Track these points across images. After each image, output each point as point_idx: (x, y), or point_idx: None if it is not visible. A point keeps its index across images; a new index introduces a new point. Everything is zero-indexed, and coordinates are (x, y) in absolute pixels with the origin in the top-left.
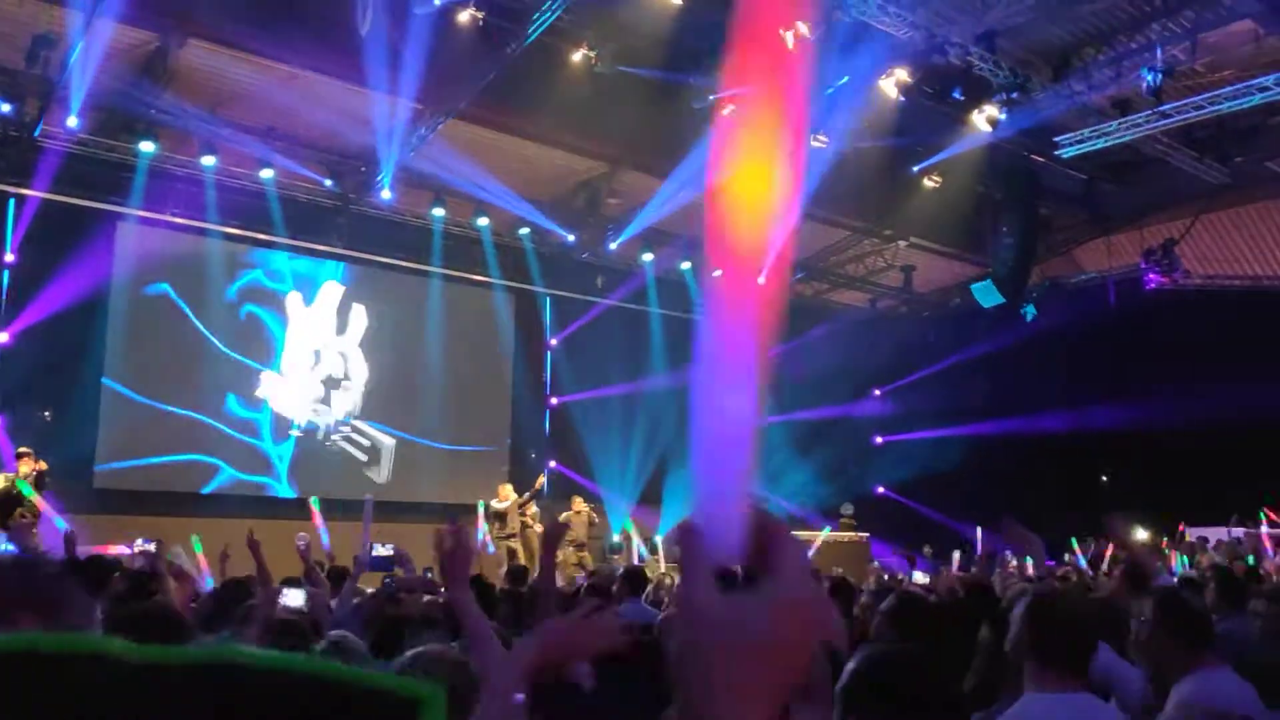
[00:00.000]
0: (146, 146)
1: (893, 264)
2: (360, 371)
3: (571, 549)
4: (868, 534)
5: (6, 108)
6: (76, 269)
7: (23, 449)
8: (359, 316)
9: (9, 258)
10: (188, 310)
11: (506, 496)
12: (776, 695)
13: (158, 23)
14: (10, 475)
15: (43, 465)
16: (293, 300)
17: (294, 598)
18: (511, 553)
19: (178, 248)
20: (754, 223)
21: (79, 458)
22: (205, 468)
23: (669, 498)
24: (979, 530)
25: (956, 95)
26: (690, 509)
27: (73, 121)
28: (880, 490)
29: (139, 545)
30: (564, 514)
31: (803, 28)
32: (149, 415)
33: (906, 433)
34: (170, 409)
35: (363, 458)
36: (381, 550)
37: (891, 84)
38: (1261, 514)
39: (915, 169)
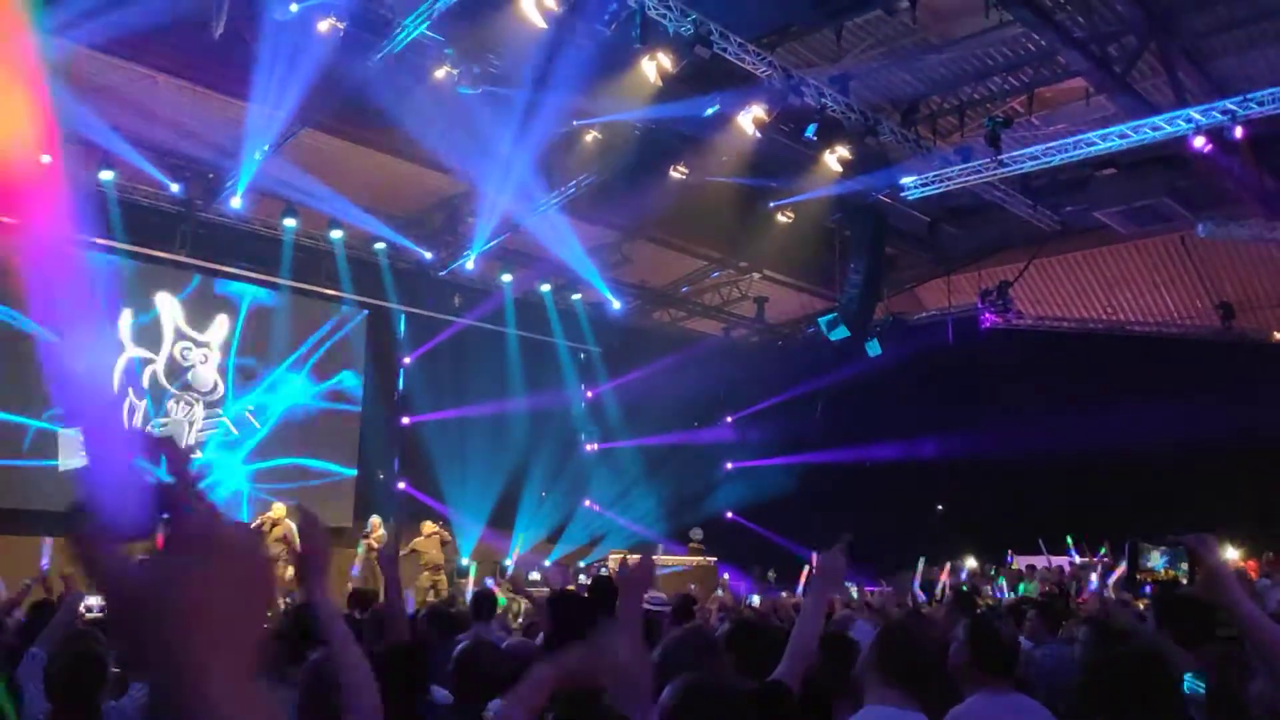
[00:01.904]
0: None
1: (747, 295)
2: (206, 384)
3: (426, 573)
4: (715, 558)
5: None
6: None
7: None
8: (205, 330)
9: None
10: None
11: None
12: (239, 639)
13: None
14: None
15: None
16: (124, 314)
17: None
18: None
19: None
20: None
21: None
22: (41, 481)
23: (520, 521)
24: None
25: (810, 135)
26: (86, 488)
27: None
28: (730, 515)
29: None
30: (415, 539)
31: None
32: None
33: (756, 459)
34: None
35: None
36: None
37: (749, 120)
38: (1069, 541)
39: (771, 204)
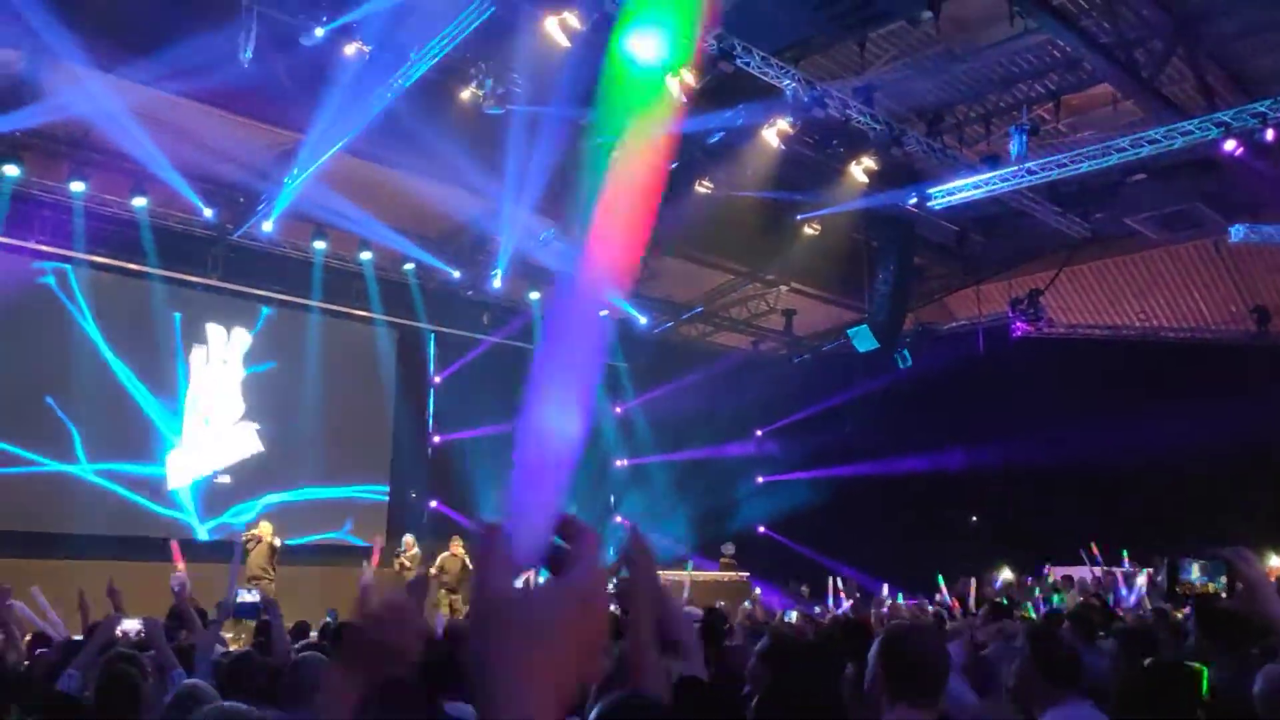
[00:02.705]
0: (10, 170)
1: (774, 308)
2: (240, 407)
3: (443, 591)
4: (748, 573)
5: None
6: None
7: None
8: (236, 351)
9: None
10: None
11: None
12: (567, 680)
13: (22, 40)
14: None
15: None
16: (164, 334)
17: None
18: None
19: (39, 276)
20: (612, 255)
21: None
22: (65, 505)
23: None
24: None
25: (835, 146)
26: (503, 514)
27: None
28: (762, 530)
29: None
30: (441, 555)
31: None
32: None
33: (787, 473)
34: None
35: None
36: (247, 596)
37: (774, 134)
38: (1091, 549)
39: (798, 217)
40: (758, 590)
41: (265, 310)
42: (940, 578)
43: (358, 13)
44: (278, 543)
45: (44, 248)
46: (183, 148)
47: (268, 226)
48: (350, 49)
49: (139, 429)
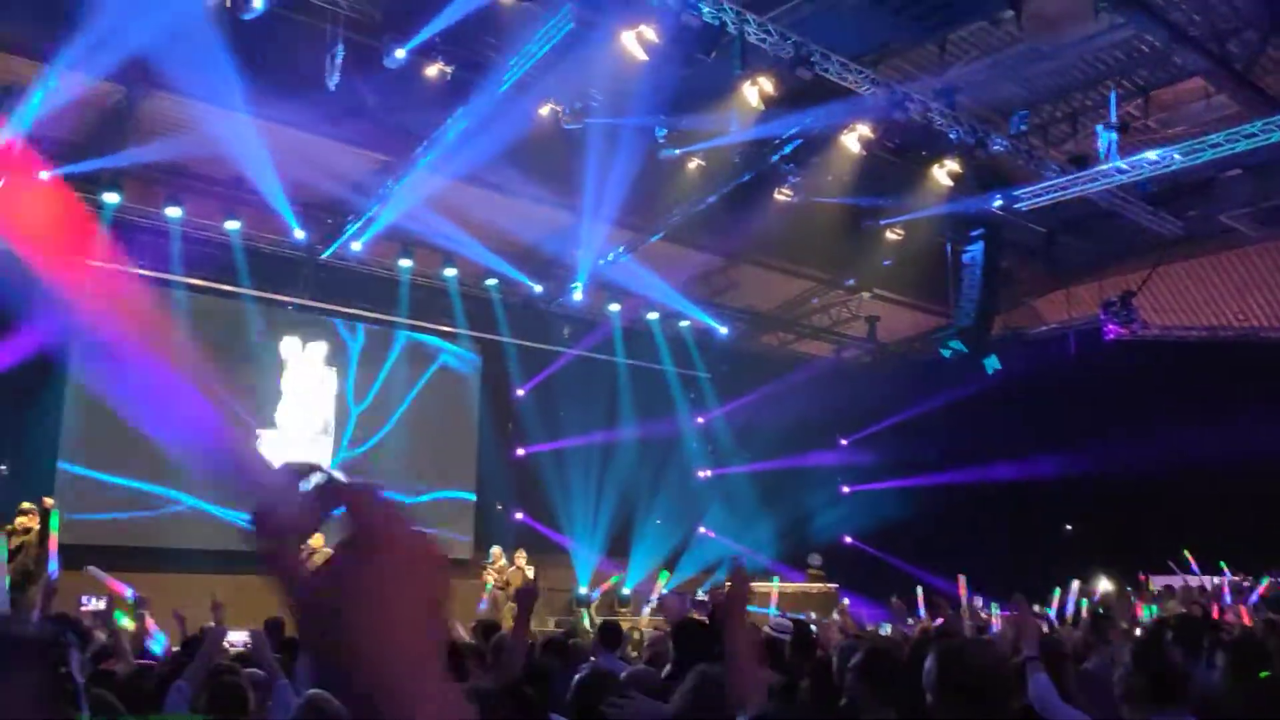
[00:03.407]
0: (111, 197)
1: (857, 315)
2: (328, 422)
3: (511, 604)
4: (836, 584)
5: None
6: (35, 319)
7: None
8: (326, 368)
9: None
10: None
11: (500, 559)
12: (417, 645)
13: (122, 73)
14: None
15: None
16: (260, 352)
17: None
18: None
19: (140, 299)
20: None
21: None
22: (167, 521)
23: (636, 549)
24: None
25: (917, 149)
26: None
27: (44, 174)
28: (848, 540)
29: (92, 604)
30: (508, 569)
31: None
32: (110, 465)
33: (873, 482)
34: (132, 459)
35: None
36: None
37: (854, 139)
38: (1185, 557)
39: (881, 222)
40: (846, 601)
41: (353, 327)
42: (1057, 590)
43: (428, 30)
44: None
45: (142, 271)
46: (274, 172)
47: (356, 246)
48: (432, 70)
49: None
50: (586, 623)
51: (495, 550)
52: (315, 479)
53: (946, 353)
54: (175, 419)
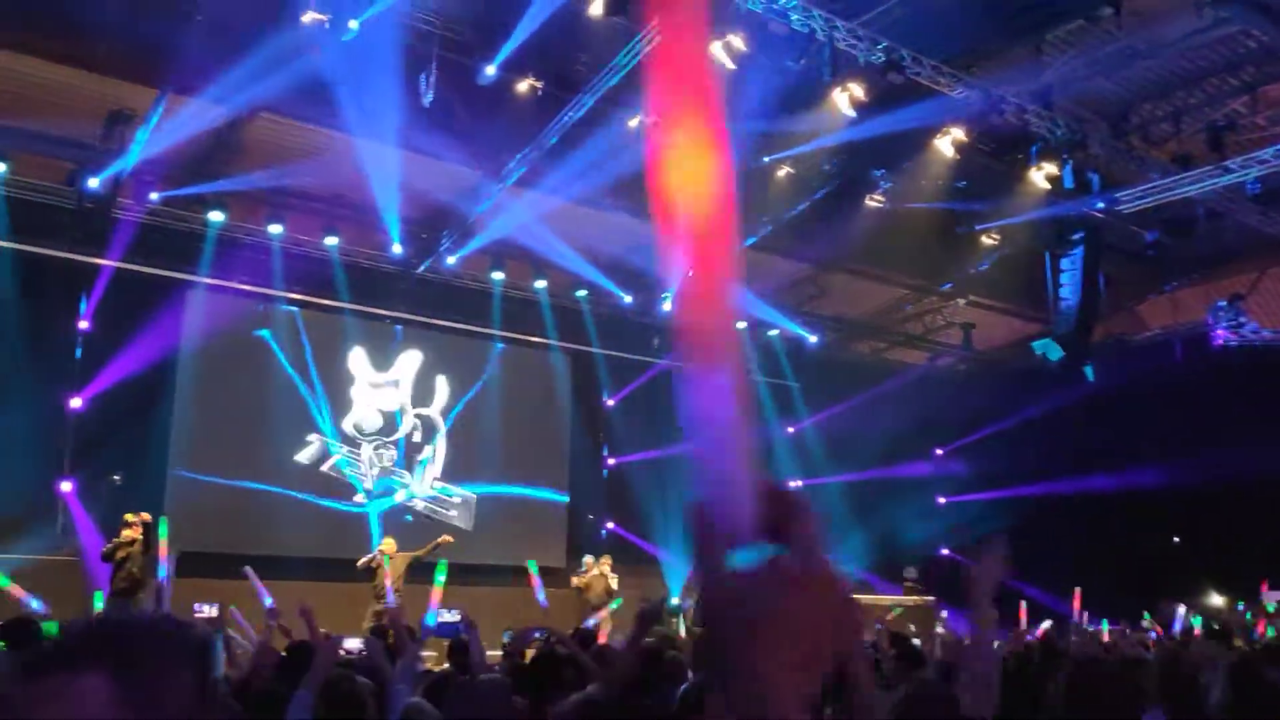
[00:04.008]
0: (216, 216)
1: (952, 321)
2: (426, 434)
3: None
4: (934, 597)
5: (94, 182)
6: (147, 336)
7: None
8: (423, 379)
9: (84, 325)
10: (254, 376)
11: (593, 568)
12: (807, 666)
13: (227, 98)
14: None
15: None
16: (358, 364)
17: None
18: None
19: (244, 314)
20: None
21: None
22: (272, 529)
23: (727, 560)
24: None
25: (1013, 152)
26: (696, 497)
27: (154, 195)
28: (945, 552)
29: (205, 610)
30: (590, 574)
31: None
32: (218, 475)
33: (970, 493)
34: (239, 468)
35: (450, 513)
36: (447, 616)
37: (947, 142)
38: None
39: (976, 227)
40: (944, 614)
41: (447, 339)
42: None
43: (513, 44)
44: (405, 557)
45: (245, 286)
46: (371, 189)
47: (451, 260)
48: (523, 85)
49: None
50: (683, 632)
51: (587, 559)
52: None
53: (1046, 360)
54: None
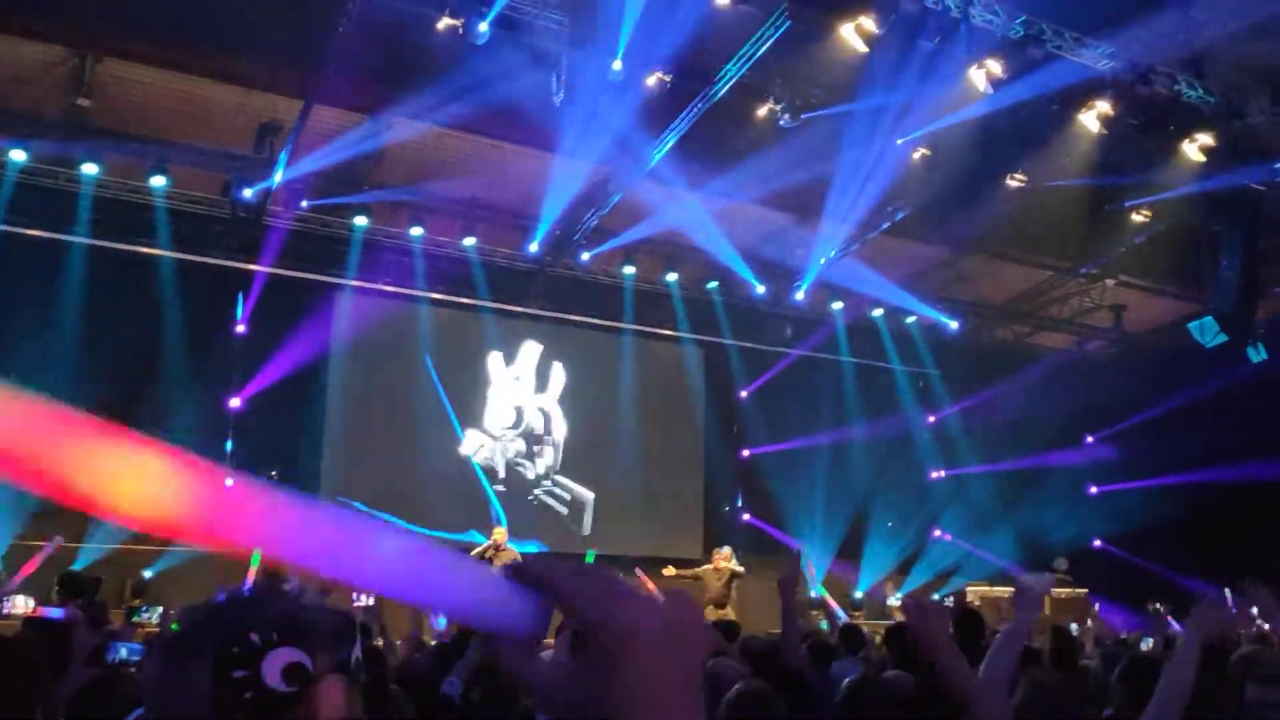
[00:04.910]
0: (360, 221)
1: (1100, 304)
2: (559, 428)
3: (710, 606)
4: (1086, 590)
5: (248, 193)
6: (299, 338)
7: None
8: (557, 374)
9: (240, 329)
10: (399, 373)
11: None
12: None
13: (369, 106)
14: None
15: None
16: (494, 360)
17: None
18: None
19: (389, 315)
20: None
21: None
22: (423, 521)
23: (868, 552)
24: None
25: (1164, 125)
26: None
27: (304, 203)
28: (1098, 543)
29: (361, 600)
30: (705, 567)
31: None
32: (368, 472)
33: (1124, 482)
34: (387, 462)
35: (563, 511)
36: None
37: (1092, 117)
38: None
39: (1125, 204)
40: (1097, 607)
41: (581, 334)
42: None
43: (625, 30)
44: (512, 552)
45: (390, 288)
46: (504, 188)
47: (585, 257)
48: (652, 79)
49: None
50: (825, 625)
51: (725, 550)
52: (510, 569)
53: (1205, 342)
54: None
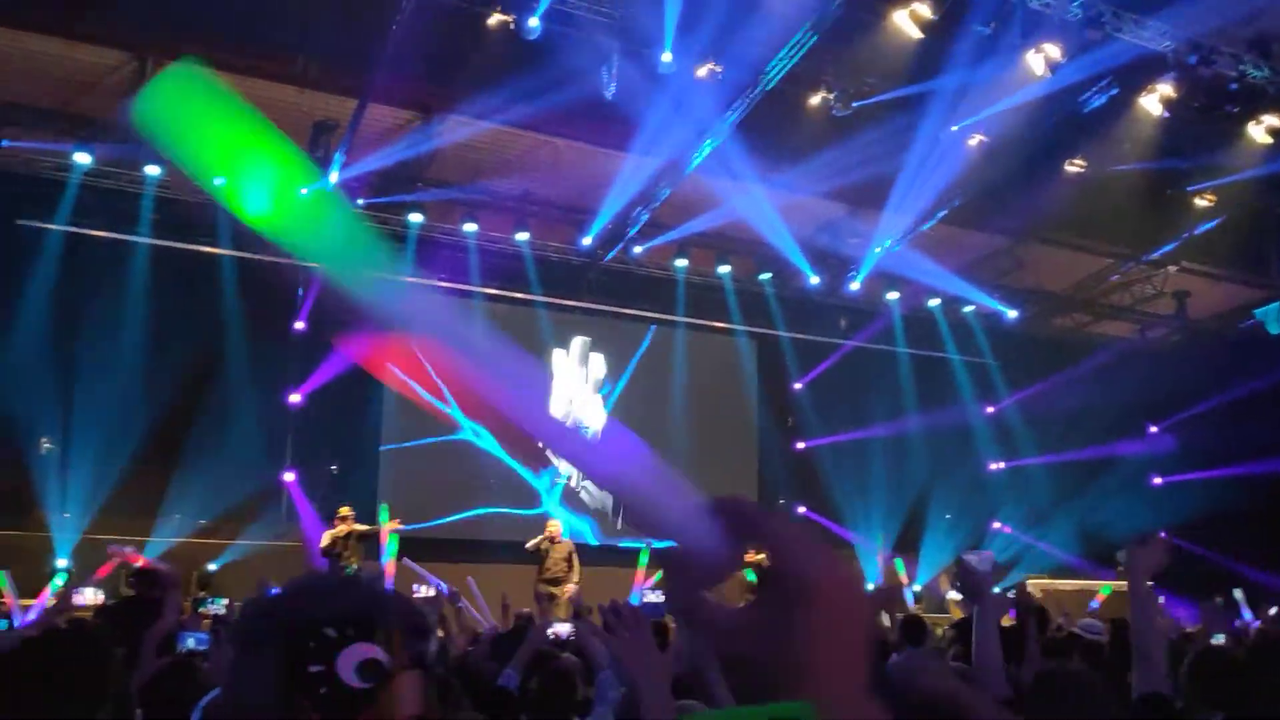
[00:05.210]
0: (415, 217)
1: (1163, 291)
2: (598, 418)
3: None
4: (1150, 583)
5: (305, 191)
6: (356, 333)
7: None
8: (596, 364)
9: (299, 325)
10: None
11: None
12: (851, 659)
13: (421, 103)
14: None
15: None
16: (558, 356)
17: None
18: None
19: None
20: None
21: (364, 510)
22: (477, 515)
23: (926, 545)
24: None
25: (1227, 107)
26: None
27: (359, 201)
28: (1162, 535)
29: (422, 590)
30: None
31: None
32: (425, 464)
33: (1188, 472)
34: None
35: (588, 501)
36: (652, 596)
37: (1154, 100)
38: None
39: (1188, 189)
40: (1161, 600)
41: (633, 327)
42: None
43: (670, 19)
44: (569, 544)
45: (444, 283)
46: (555, 183)
47: (638, 250)
48: (703, 70)
49: (530, 448)
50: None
51: None
52: (729, 513)
53: (1272, 329)
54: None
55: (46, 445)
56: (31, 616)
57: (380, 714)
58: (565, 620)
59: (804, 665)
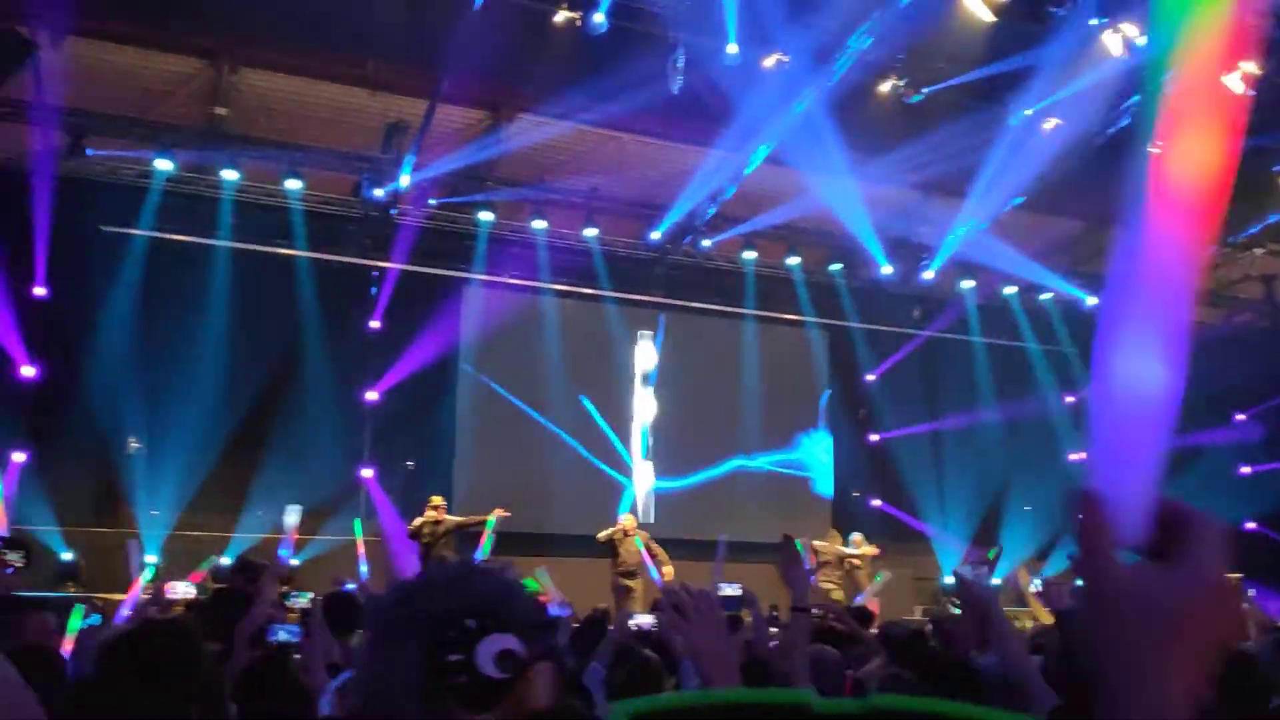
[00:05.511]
0: (485, 216)
1: (1250, 274)
2: (687, 414)
3: (821, 575)
4: (1240, 575)
5: (379, 192)
6: (431, 331)
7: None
8: (680, 361)
9: (375, 324)
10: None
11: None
12: (1192, 679)
13: (490, 102)
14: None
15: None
16: (620, 347)
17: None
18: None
19: (516, 307)
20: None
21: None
22: (550, 507)
23: (1005, 537)
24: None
25: None
26: (1088, 481)
27: (431, 201)
28: (1251, 526)
29: None
30: (820, 543)
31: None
32: (498, 459)
33: (1277, 461)
34: (516, 452)
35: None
36: (728, 590)
37: (1235, 77)
38: None
39: (1275, 168)
40: (1252, 592)
41: (704, 321)
42: None
43: (732, 10)
44: (644, 535)
45: (515, 281)
46: (622, 178)
47: (706, 243)
48: (769, 60)
49: (600, 443)
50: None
51: (856, 537)
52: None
53: None
54: None
55: (134, 445)
56: (126, 612)
57: (516, 704)
58: (644, 612)
59: (1173, 621)
